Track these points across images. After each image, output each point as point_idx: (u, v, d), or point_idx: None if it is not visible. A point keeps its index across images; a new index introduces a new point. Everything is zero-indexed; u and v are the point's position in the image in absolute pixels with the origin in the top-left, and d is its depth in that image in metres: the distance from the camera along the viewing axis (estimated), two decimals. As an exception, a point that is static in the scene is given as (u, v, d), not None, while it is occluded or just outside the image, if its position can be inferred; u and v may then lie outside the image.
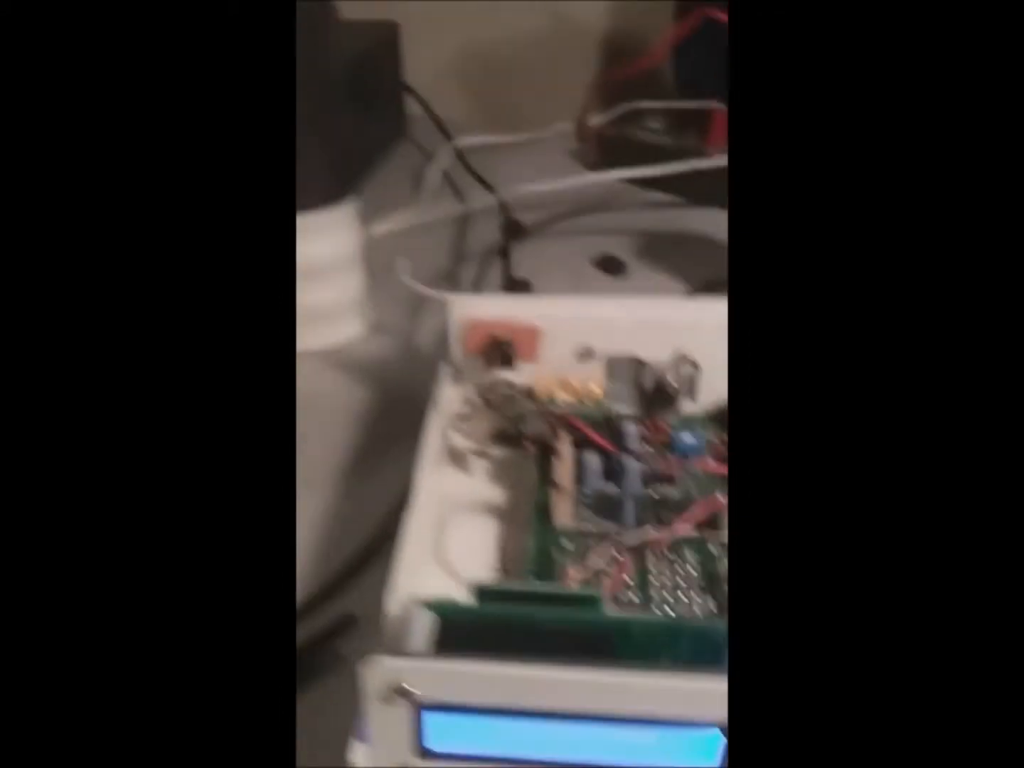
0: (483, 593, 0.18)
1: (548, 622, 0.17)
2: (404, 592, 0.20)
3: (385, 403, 0.35)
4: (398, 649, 0.16)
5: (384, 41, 0.57)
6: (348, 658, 0.23)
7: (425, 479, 0.25)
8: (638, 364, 0.29)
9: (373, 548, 0.27)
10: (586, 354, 0.28)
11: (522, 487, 0.27)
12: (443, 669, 0.15)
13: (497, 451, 0.28)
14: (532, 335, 0.28)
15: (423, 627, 0.16)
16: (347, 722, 0.21)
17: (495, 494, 0.27)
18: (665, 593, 0.21)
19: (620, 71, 0.59)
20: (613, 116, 0.63)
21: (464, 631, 0.17)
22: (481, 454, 0.28)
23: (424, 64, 0.70)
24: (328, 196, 0.34)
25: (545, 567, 0.23)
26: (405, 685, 0.15)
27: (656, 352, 0.28)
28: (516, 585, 0.18)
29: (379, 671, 0.15)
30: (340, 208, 0.35)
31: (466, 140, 0.57)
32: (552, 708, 0.15)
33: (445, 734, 0.15)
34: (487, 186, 0.49)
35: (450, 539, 0.25)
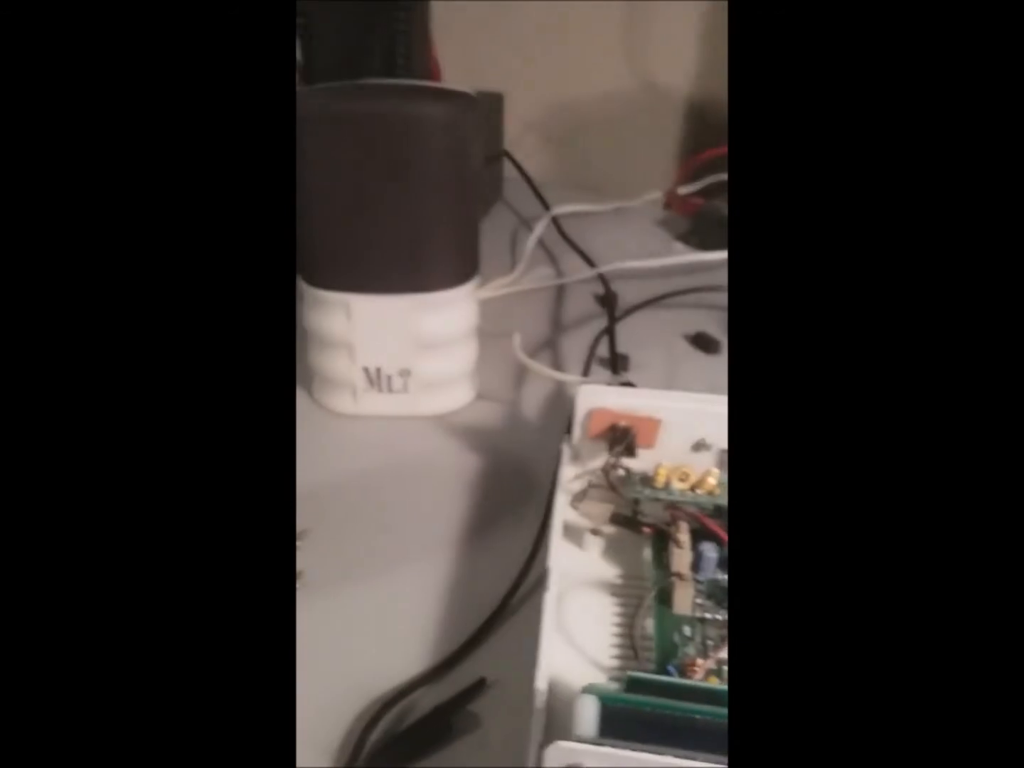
0: (636, 683, 0.20)
1: (698, 714, 0.19)
2: (546, 665, 0.23)
3: (492, 468, 0.37)
4: (555, 732, 0.19)
5: (489, 109, 0.60)
6: (481, 718, 0.25)
7: (554, 554, 0.27)
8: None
9: (497, 613, 0.29)
10: (700, 445, 0.30)
11: (635, 567, 0.29)
12: (616, 754, 0.17)
13: (612, 530, 0.30)
14: (652, 425, 0.30)
15: (589, 712, 0.19)
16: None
17: (609, 572, 0.29)
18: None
19: (713, 151, 0.62)
20: (699, 187, 0.65)
21: (623, 718, 0.19)
22: (597, 532, 0.31)
23: (513, 123, 0.73)
24: (457, 278, 0.37)
25: (668, 653, 0.25)
26: (582, 766, 0.17)
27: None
28: (666, 679, 0.20)
29: (559, 752, 0.17)
30: (465, 287, 0.38)
31: (560, 208, 0.60)
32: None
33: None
34: (588, 260, 0.52)
35: (570, 614, 0.28)
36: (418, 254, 0.36)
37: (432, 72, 0.63)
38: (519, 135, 0.81)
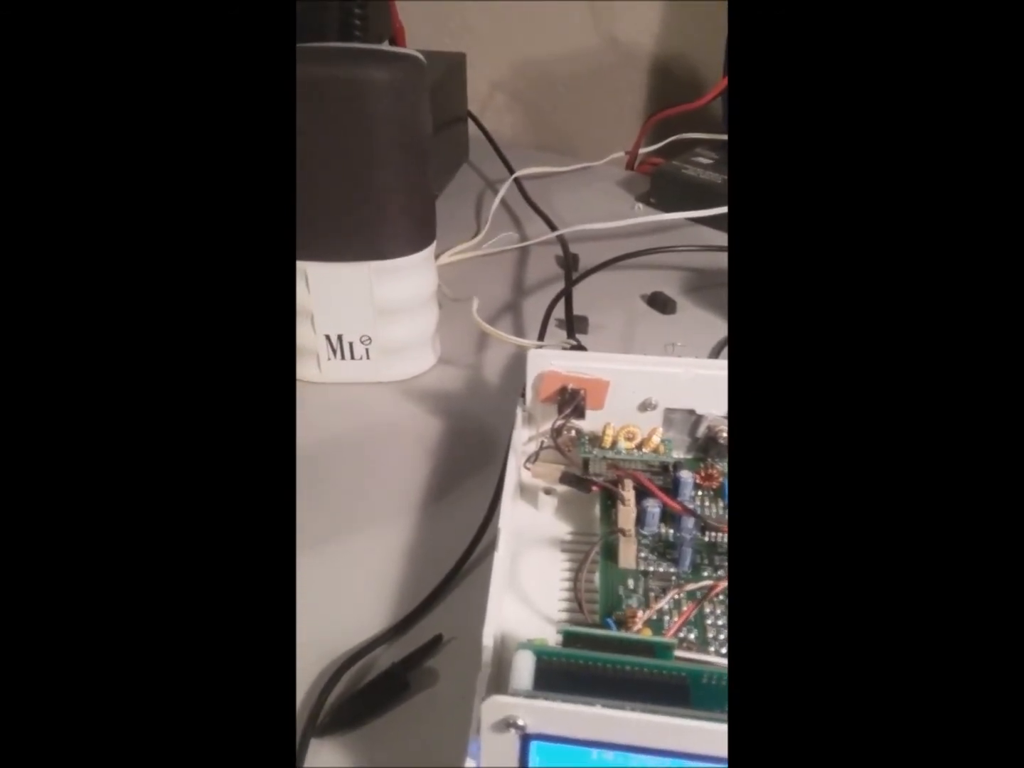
0: (572, 637, 0.21)
1: (630, 665, 0.20)
2: (494, 622, 0.24)
3: (453, 432, 0.38)
4: (504, 686, 0.20)
5: (451, 70, 0.60)
6: (438, 674, 0.27)
7: (504, 515, 0.28)
8: (693, 415, 0.32)
9: (453, 572, 0.30)
10: (647, 405, 0.31)
11: (585, 524, 0.31)
12: (546, 707, 0.18)
13: (563, 489, 0.31)
14: (601, 387, 0.31)
15: (525, 667, 0.20)
16: (441, 730, 0.25)
17: (562, 530, 0.30)
18: (721, 636, 0.25)
19: (671, 109, 0.62)
20: (660, 146, 0.66)
21: (559, 671, 0.20)
22: (549, 492, 0.32)
23: (478, 82, 0.73)
24: (413, 245, 0.37)
25: (613, 605, 0.26)
26: (516, 720, 0.18)
27: (710, 406, 0.31)
28: (600, 632, 0.21)
29: (494, 707, 0.18)
30: (421, 253, 0.38)
31: (524, 170, 0.60)
32: (637, 743, 0.18)
33: (546, 759, 0.19)
34: (549, 223, 0.52)
35: (523, 570, 0.29)
36: (372, 221, 0.36)
37: (395, 34, 0.62)
38: (487, 96, 0.81)
